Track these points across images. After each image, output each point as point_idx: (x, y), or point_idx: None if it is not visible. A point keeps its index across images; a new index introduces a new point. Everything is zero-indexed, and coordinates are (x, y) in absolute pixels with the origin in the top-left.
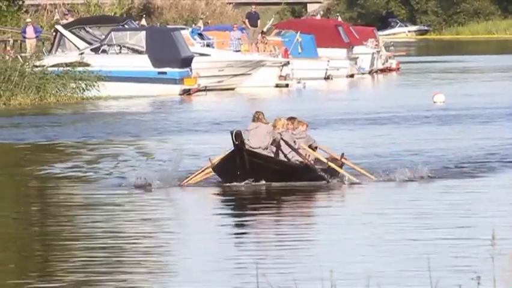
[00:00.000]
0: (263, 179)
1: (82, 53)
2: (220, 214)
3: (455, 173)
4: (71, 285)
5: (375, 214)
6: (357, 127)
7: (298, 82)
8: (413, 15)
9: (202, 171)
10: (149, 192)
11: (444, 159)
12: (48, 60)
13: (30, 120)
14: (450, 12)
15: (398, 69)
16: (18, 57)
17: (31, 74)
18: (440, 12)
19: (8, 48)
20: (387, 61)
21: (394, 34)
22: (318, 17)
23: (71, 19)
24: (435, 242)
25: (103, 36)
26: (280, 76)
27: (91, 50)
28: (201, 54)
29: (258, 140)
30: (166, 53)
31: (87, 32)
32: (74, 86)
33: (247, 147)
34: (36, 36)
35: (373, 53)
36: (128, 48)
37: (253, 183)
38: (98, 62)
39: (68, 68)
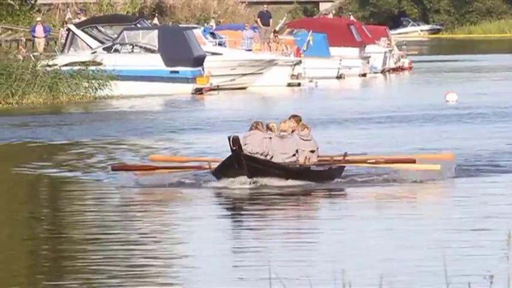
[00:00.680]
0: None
1: (94, 52)
2: (227, 215)
3: (469, 171)
4: (84, 286)
5: (385, 214)
6: (371, 126)
7: (310, 81)
8: (425, 14)
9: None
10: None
11: (458, 158)
12: (61, 60)
13: (42, 119)
14: (462, 11)
15: (410, 68)
16: (31, 56)
17: (44, 73)
18: (452, 11)
19: (21, 47)
20: (399, 60)
21: (406, 33)
22: (331, 16)
23: (83, 18)
24: (449, 240)
25: (116, 36)
26: (292, 75)
27: (103, 49)
28: (213, 53)
29: (254, 146)
30: (179, 52)
31: (99, 31)
32: (86, 86)
33: (245, 152)
34: (46, 36)
35: (385, 52)
36: (140, 47)
37: (254, 184)
38: (111, 61)
39: (81, 67)
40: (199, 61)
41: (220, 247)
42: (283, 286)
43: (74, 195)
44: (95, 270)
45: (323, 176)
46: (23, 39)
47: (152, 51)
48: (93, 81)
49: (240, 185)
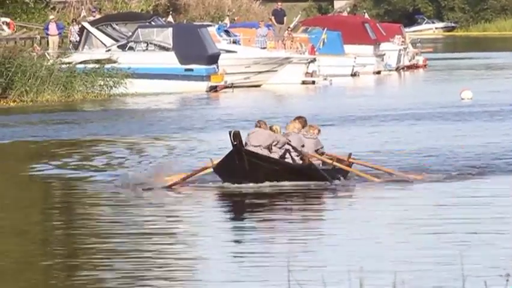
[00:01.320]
0: (263, 180)
1: (109, 50)
2: (237, 215)
3: (484, 170)
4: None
5: (399, 212)
6: (384, 124)
7: (325, 79)
8: (440, 11)
9: (202, 170)
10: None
11: (472, 156)
12: (75, 57)
13: (57, 117)
14: (477, 9)
15: (425, 65)
16: (46, 54)
17: (58, 71)
18: (467, 8)
19: (35, 45)
20: (414, 58)
21: (421, 31)
22: (345, 13)
23: (98, 16)
24: (464, 239)
25: (130, 33)
26: (307, 73)
27: (118, 47)
28: (227, 51)
29: (258, 140)
30: (193, 49)
31: (114, 28)
32: (101, 83)
33: (248, 147)
34: (59, 33)
35: (400, 50)
36: (155, 45)
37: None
38: (125, 59)
39: (95, 65)
40: (213, 59)
41: (228, 238)
42: (299, 286)
43: (88, 194)
44: (106, 266)
45: (325, 175)
46: (38, 37)
47: (167, 49)
48: (108, 79)
49: (239, 183)
